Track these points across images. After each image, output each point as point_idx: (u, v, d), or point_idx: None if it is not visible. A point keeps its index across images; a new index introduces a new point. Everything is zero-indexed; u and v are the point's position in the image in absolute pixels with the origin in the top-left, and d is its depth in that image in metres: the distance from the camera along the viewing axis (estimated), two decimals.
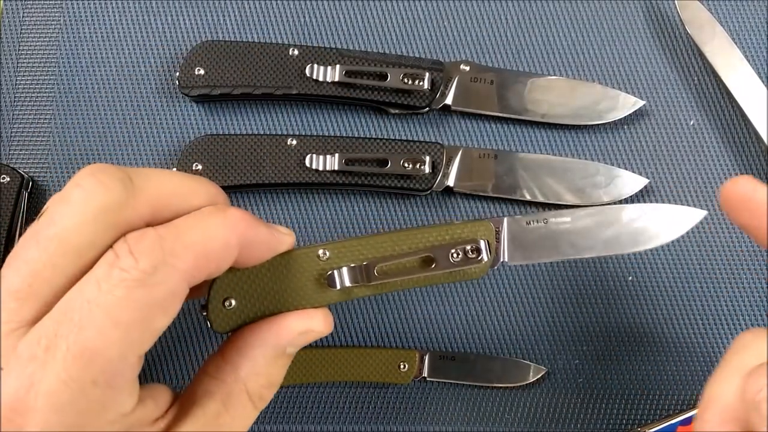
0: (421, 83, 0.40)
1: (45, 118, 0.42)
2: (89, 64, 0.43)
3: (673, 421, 0.39)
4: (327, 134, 0.42)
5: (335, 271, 0.29)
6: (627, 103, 0.42)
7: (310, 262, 0.29)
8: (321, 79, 0.40)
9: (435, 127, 0.43)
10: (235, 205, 0.37)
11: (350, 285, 0.29)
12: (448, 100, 0.41)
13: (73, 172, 0.24)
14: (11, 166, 0.40)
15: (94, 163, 0.25)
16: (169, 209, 0.25)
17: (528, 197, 0.41)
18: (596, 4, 0.44)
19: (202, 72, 0.40)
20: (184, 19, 0.43)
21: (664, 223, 0.31)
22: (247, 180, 0.40)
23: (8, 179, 0.39)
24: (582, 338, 0.41)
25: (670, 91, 0.43)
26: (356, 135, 0.42)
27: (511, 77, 0.42)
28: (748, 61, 0.41)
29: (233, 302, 0.28)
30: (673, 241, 0.40)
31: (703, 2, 0.43)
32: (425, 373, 0.40)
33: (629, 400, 0.40)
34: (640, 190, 0.41)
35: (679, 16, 0.42)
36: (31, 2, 0.43)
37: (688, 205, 0.41)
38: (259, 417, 0.40)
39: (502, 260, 0.32)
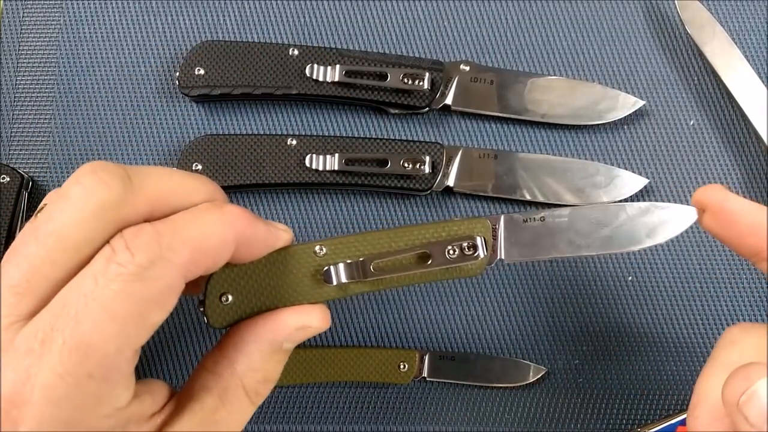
0: (421, 83, 0.40)
1: (45, 118, 0.42)
2: (89, 64, 0.43)
3: (672, 421, 0.38)
4: (327, 134, 0.42)
5: (332, 267, 0.29)
6: (627, 103, 0.42)
7: (307, 258, 0.29)
8: (321, 79, 0.40)
9: (435, 127, 0.43)
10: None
11: (347, 281, 0.29)
12: (448, 100, 0.41)
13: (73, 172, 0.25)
14: (11, 166, 0.40)
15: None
16: (167, 207, 0.25)
17: (528, 197, 0.41)
18: (596, 4, 0.44)
19: (202, 72, 0.40)
20: (184, 19, 0.43)
21: (663, 221, 0.31)
22: (247, 180, 0.40)
23: (8, 179, 0.39)
24: (582, 338, 0.41)
25: (670, 91, 0.43)
26: (356, 135, 0.42)
27: (511, 77, 0.42)
28: (748, 61, 0.41)
29: (230, 297, 0.28)
30: (673, 241, 0.40)
31: (703, 2, 0.43)
32: (425, 373, 0.40)
33: (629, 400, 0.40)
34: (640, 190, 0.41)
35: (679, 16, 0.42)
36: (31, 2, 0.43)
37: (688, 205, 0.41)
38: (258, 417, 0.40)
39: (499, 257, 0.31)
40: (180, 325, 0.41)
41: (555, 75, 0.43)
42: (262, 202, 0.42)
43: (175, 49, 0.43)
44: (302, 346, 0.30)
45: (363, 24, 0.44)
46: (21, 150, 0.42)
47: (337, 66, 0.40)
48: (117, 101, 0.42)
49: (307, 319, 0.28)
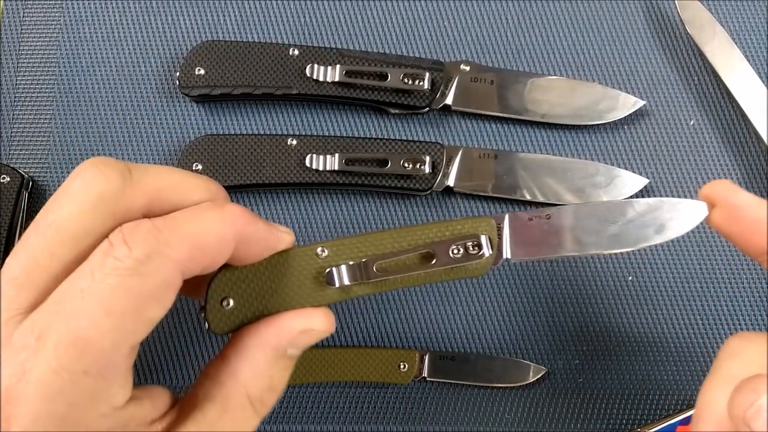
0: (421, 83, 0.40)
1: (45, 118, 0.42)
2: (89, 64, 0.43)
3: (672, 421, 0.39)
4: (327, 134, 0.42)
5: (334, 269, 0.28)
6: (627, 103, 0.42)
7: (309, 260, 0.29)
8: (321, 79, 0.40)
9: (435, 127, 0.43)
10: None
11: (349, 283, 0.29)
12: (448, 100, 0.41)
13: None
14: (11, 166, 0.40)
15: None
16: (167, 203, 0.25)
17: (528, 197, 0.41)
18: (596, 4, 0.44)
19: (202, 72, 0.40)
20: (184, 19, 0.43)
21: (672, 218, 0.30)
22: (247, 180, 0.40)
23: (8, 179, 0.39)
24: (582, 338, 0.41)
25: (670, 91, 0.43)
26: (356, 135, 0.42)
27: (511, 77, 0.42)
28: (748, 61, 0.41)
29: (231, 302, 0.27)
30: (673, 241, 0.40)
31: (703, 2, 0.43)
32: (425, 373, 0.40)
33: (629, 400, 0.40)
34: (640, 190, 0.41)
35: (679, 16, 0.42)
36: (31, 2, 0.43)
37: None
38: None
39: (505, 257, 0.31)
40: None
41: (555, 75, 0.43)
42: (262, 202, 0.42)
43: (175, 49, 0.43)
44: (305, 348, 0.29)
45: (363, 24, 0.44)
46: (21, 150, 0.42)
47: (338, 66, 0.40)
48: (117, 101, 0.42)
49: (310, 322, 0.27)
